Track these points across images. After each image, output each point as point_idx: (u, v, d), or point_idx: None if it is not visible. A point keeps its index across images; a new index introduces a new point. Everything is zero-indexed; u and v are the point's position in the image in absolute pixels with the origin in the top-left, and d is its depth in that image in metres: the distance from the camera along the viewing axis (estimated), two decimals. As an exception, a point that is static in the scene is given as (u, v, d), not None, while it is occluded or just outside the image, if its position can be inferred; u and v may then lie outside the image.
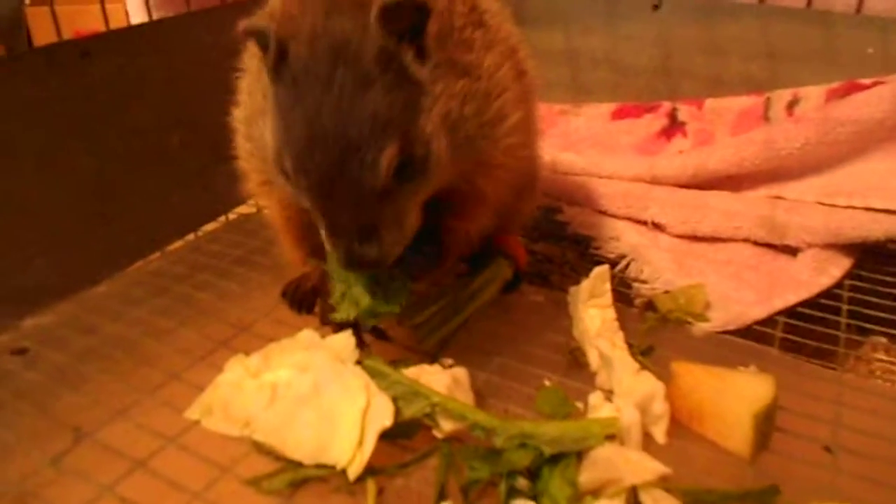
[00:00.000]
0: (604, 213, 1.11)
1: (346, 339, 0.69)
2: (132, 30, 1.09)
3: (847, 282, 0.92)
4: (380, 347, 0.77)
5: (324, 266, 0.71)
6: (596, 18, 1.45)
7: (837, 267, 0.93)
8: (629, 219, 1.09)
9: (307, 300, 0.88)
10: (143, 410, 0.71)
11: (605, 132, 1.35)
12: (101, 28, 1.04)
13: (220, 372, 0.71)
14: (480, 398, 0.70)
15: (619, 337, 0.76)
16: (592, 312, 0.78)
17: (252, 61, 0.73)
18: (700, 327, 0.83)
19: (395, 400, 0.63)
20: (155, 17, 1.16)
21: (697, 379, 0.67)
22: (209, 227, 1.16)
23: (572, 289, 0.83)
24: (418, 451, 0.64)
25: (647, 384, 0.68)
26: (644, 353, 0.76)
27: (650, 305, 0.88)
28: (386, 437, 0.62)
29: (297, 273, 0.89)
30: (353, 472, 0.60)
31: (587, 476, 0.58)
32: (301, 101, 0.59)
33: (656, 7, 1.38)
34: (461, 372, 0.69)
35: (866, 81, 1.12)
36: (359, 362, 0.67)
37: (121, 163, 1.02)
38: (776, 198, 1.05)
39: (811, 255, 0.95)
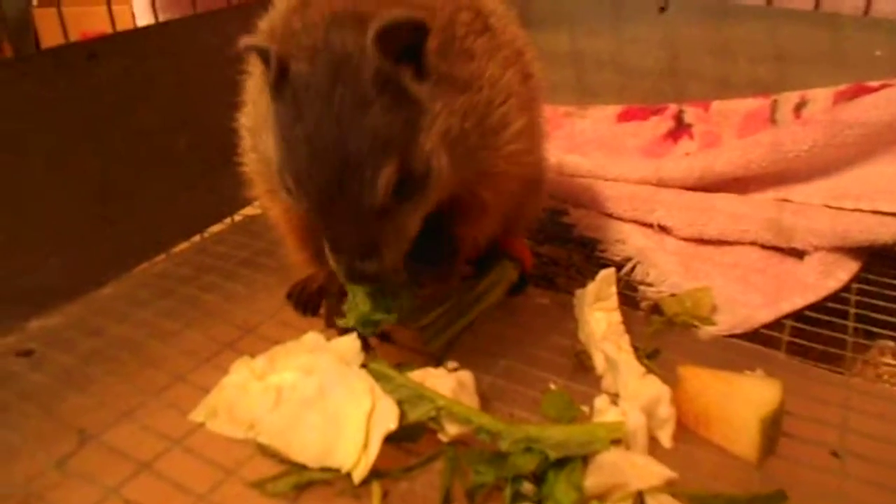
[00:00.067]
0: (610, 215, 1.10)
1: (351, 341, 0.69)
2: (138, 32, 1.09)
3: (854, 285, 0.91)
4: (385, 350, 0.77)
5: (329, 268, 0.71)
6: (602, 20, 1.44)
7: (845, 270, 0.92)
8: (635, 221, 1.08)
9: (312, 302, 0.88)
10: (149, 412, 0.71)
11: (610, 134, 1.35)
12: (108, 30, 1.05)
13: (226, 374, 0.71)
14: (485, 401, 0.70)
15: (625, 340, 0.75)
16: (598, 315, 0.78)
17: (257, 67, 0.73)
18: (706, 331, 0.83)
19: (400, 403, 0.63)
20: (161, 18, 1.16)
21: (704, 383, 0.67)
22: (215, 228, 1.16)
23: (578, 292, 0.83)
24: (423, 454, 0.64)
25: (653, 388, 0.67)
26: (650, 356, 0.76)
27: (656, 309, 0.88)
28: (391, 440, 0.61)
29: (303, 275, 0.89)
30: (358, 476, 0.60)
31: (593, 480, 0.58)
32: (301, 119, 0.59)
33: (662, 9, 1.38)
34: (466, 375, 0.69)
35: (874, 84, 1.11)
36: (364, 365, 0.67)
37: (127, 164, 1.02)
38: (783, 200, 1.04)
39: (818, 259, 0.94)
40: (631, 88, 1.42)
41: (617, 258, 1.02)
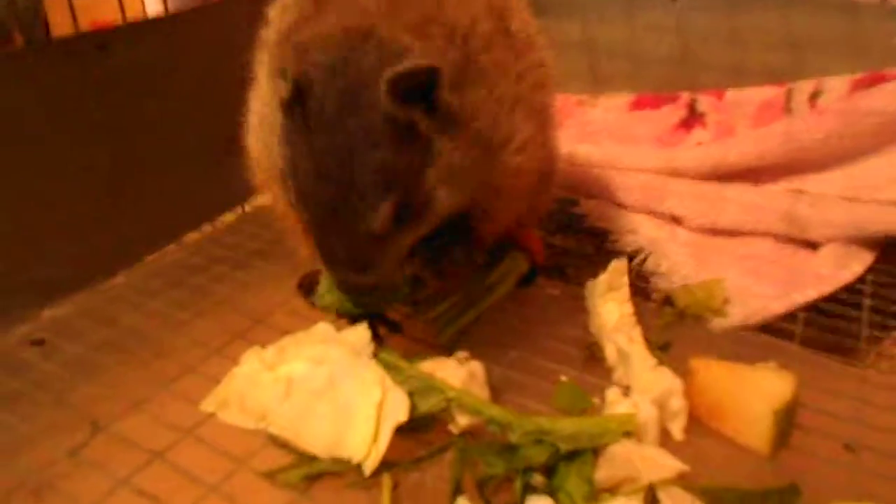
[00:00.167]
0: (621, 205, 1.10)
1: (361, 332, 0.69)
2: (149, 22, 1.09)
3: (869, 277, 0.90)
4: (395, 341, 0.77)
5: None
6: (614, 8, 1.43)
7: (859, 262, 0.91)
8: (647, 212, 1.07)
9: (323, 293, 0.88)
10: (160, 402, 0.72)
11: (622, 123, 1.34)
12: (118, 19, 1.04)
13: (236, 364, 0.71)
14: (496, 393, 0.70)
15: (637, 332, 0.75)
16: (610, 307, 0.78)
17: (265, 51, 0.73)
18: (718, 322, 0.82)
19: (410, 394, 0.63)
20: (171, 8, 1.16)
21: (716, 375, 0.67)
22: (226, 218, 1.17)
23: (589, 283, 0.82)
24: (433, 445, 0.64)
25: (665, 380, 0.67)
26: (661, 348, 0.75)
27: (668, 300, 0.87)
28: (401, 431, 0.61)
29: (313, 265, 0.89)
30: (369, 467, 0.60)
31: (604, 473, 0.58)
32: (310, 140, 0.60)
33: (676, -5, 1.37)
34: (477, 366, 0.69)
35: (891, 72, 1.09)
36: (374, 356, 0.67)
37: (138, 154, 1.03)
38: (797, 191, 1.03)
39: (832, 250, 0.93)
40: (643, 77, 1.41)
41: (628, 249, 1.01)
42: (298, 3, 0.70)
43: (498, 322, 0.81)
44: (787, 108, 1.20)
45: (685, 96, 1.33)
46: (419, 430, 0.64)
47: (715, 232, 1.02)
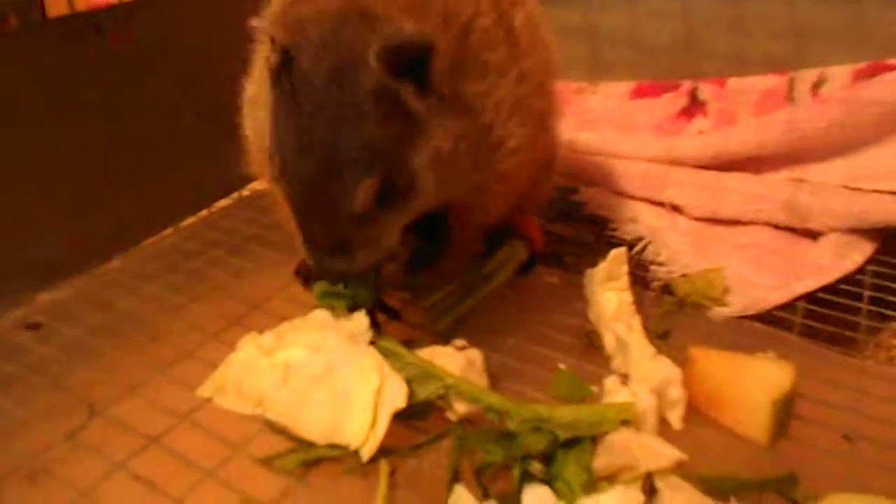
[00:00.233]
0: (621, 194, 1.09)
1: (360, 319, 0.69)
2: (146, 2, 1.07)
3: (869, 267, 0.90)
4: (393, 328, 0.76)
5: None
6: (616, -6, 1.42)
7: (859, 252, 0.91)
8: (647, 200, 1.07)
9: (321, 279, 0.87)
10: (156, 387, 0.71)
11: (622, 111, 1.33)
12: (114, -1, 1.03)
13: (233, 349, 0.70)
14: (494, 380, 0.69)
15: (636, 321, 0.74)
16: (609, 295, 0.77)
17: (264, 40, 0.72)
18: (718, 312, 0.82)
19: (408, 381, 0.63)
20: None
21: (715, 364, 0.66)
22: (222, 203, 1.16)
23: (588, 271, 0.82)
24: (431, 433, 0.63)
25: (664, 369, 0.67)
26: (661, 337, 0.75)
27: (667, 289, 0.87)
28: (399, 418, 0.61)
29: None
30: (367, 453, 0.59)
31: (602, 461, 0.57)
32: (296, 112, 0.59)
33: (678, -17, 1.35)
34: (475, 354, 0.69)
35: (894, 62, 1.09)
36: (372, 343, 0.66)
37: (134, 137, 1.02)
38: (798, 180, 1.03)
39: (833, 240, 0.93)
40: (645, 64, 1.40)
41: (628, 237, 1.01)
42: None
43: (496, 310, 0.81)
44: (790, 97, 1.19)
45: (686, 84, 1.32)
46: (417, 416, 0.64)
47: (715, 221, 1.02)
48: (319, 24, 0.60)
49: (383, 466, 0.60)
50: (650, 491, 0.54)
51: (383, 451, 0.60)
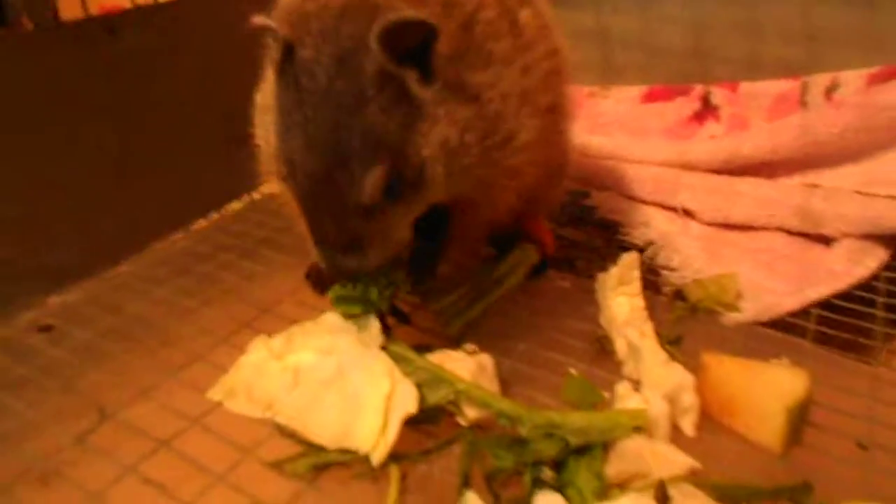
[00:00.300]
0: (633, 198, 1.09)
1: (370, 323, 0.69)
2: (160, 6, 1.08)
3: (883, 273, 0.89)
4: (403, 332, 0.76)
5: None
6: (628, -3, 1.42)
7: (873, 258, 0.90)
8: (659, 205, 1.07)
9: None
10: (167, 390, 0.71)
11: (634, 115, 1.33)
12: (127, 3, 1.04)
13: (243, 353, 0.70)
14: (505, 385, 0.69)
15: (648, 326, 0.74)
16: (621, 300, 0.77)
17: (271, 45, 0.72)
18: (731, 318, 0.81)
19: (419, 386, 0.62)
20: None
21: (728, 371, 0.66)
22: (233, 206, 1.16)
23: (600, 276, 0.81)
24: (442, 438, 0.63)
25: (677, 375, 0.66)
26: (672, 343, 0.75)
27: (679, 294, 0.86)
28: (409, 423, 0.61)
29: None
30: (377, 458, 0.59)
31: (614, 468, 0.57)
32: (300, 106, 0.59)
33: (691, -14, 1.35)
34: (486, 359, 0.68)
35: (909, 66, 1.08)
36: (383, 347, 0.66)
37: (146, 140, 1.02)
38: (812, 186, 1.02)
39: (846, 246, 0.92)
40: (657, 68, 1.39)
41: (639, 242, 1.00)
42: None
43: (507, 314, 0.81)
44: (803, 102, 1.18)
45: (699, 88, 1.31)
46: (428, 421, 0.63)
47: (727, 226, 1.02)
48: (322, 18, 0.60)
49: (394, 471, 0.60)
50: (663, 499, 0.54)
51: (394, 456, 0.60)
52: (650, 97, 1.35)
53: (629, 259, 0.79)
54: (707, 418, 0.65)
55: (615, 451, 0.58)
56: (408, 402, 0.61)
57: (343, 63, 0.58)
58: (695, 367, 0.67)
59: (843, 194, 0.97)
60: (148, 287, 0.90)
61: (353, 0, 0.60)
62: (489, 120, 0.65)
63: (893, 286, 0.87)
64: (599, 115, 1.35)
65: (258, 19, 0.61)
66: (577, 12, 1.44)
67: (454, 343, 0.73)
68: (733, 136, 1.14)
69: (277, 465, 0.61)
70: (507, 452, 0.59)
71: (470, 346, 0.71)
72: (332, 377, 0.64)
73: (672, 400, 0.64)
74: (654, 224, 1.03)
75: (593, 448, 0.58)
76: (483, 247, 0.86)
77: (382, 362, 0.64)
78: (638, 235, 1.02)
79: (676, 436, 0.63)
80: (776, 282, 0.87)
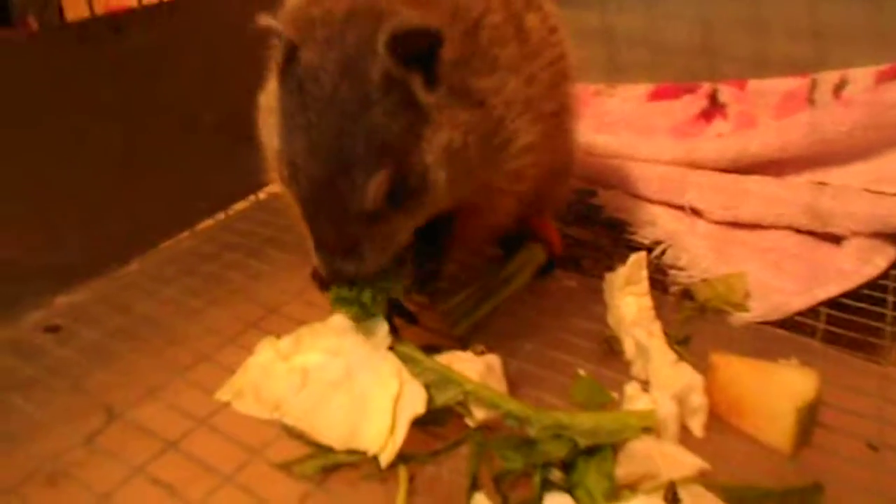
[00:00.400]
0: (639, 197, 1.08)
1: (378, 324, 0.68)
2: (165, 5, 1.08)
3: (893, 272, 0.88)
4: (411, 333, 0.76)
5: None
6: (634, -5, 1.41)
7: (883, 256, 0.89)
8: (666, 203, 1.06)
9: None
10: (175, 391, 0.71)
11: (640, 114, 1.32)
12: (133, 2, 1.04)
13: (250, 353, 0.70)
14: (513, 386, 0.69)
15: (657, 326, 0.74)
16: (629, 300, 0.77)
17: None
18: (739, 317, 0.81)
19: (427, 387, 0.62)
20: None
21: (738, 371, 0.65)
22: (239, 206, 1.16)
23: (608, 275, 0.81)
24: (450, 439, 0.63)
25: (685, 376, 0.66)
26: (681, 342, 0.74)
27: (687, 294, 0.86)
28: (417, 424, 0.61)
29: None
30: (385, 459, 0.59)
31: (624, 469, 0.57)
32: (303, 111, 0.58)
33: (697, -16, 1.34)
34: (494, 359, 0.68)
35: (918, 64, 1.08)
36: (391, 348, 0.66)
37: (152, 140, 1.02)
38: (821, 184, 1.01)
39: (856, 244, 0.92)
40: (663, 66, 1.39)
41: (646, 241, 1.00)
42: None
43: (515, 314, 0.80)
44: (811, 100, 1.18)
45: (706, 86, 1.31)
46: (436, 423, 0.63)
47: (735, 225, 1.01)
48: (327, 23, 0.60)
49: (402, 473, 0.60)
50: (673, 500, 0.54)
51: (402, 458, 0.60)
52: (657, 95, 1.34)
53: (637, 258, 0.78)
54: (716, 419, 0.65)
55: (624, 453, 0.58)
56: (416, 403, 0.61)
57: (348, 68, 0.57)
58: (703, 368, 0.67)
59: (852, 192, 0.96)
60: (155, 287, 0.90)
61: (358, 5, 0.60)
62: (492, 125, 0.65)
63: (903, 285, 0.87)
64: (605, 114, 1.35)
65: (264, 20, 0.60)
66: (582, 11, 1.43)
67: (462, 343, 0.73)
68: (741, 134, 1.13)
69: (285, 467, 0.61)
70: (516, 453, 0.59)
71: (478, 347, 0.71)
72: (340, 378, 0.64)
73: (681, 400, 0.64)
74: (660, 223, 1.02)
75: (603, 449, 0.58)
76: (489, 247, 0.86)
77: (390, 363, 0.64)
78: (645, 234, 1.01)
79: (685, 436, 0.63)
80: (785, 281, 0.86)
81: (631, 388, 0.66)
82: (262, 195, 1.18)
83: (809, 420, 0.63)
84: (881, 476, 0.60)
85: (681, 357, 0.69)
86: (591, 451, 0.58)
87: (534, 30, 0.71)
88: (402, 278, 0.67)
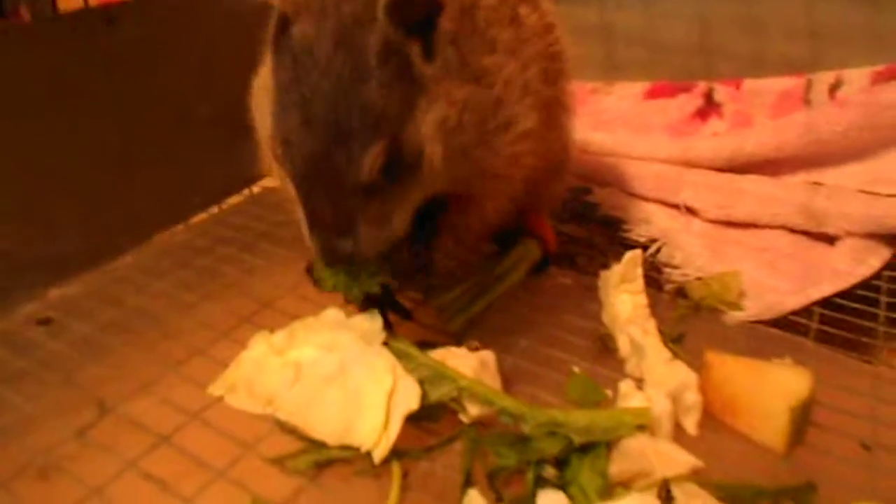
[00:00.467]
0: (635, 195, 1.09)
1: (372, 319, 0.68)
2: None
3: (886, 273, 0.89)
4: (406, 328, 0.76)
5: None
6: (632, -7, 1.41)
7: (877, 257, 0.90)
8: (661, 202, 1.06)
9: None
10: (167, 385, 0.71)
11: (637, 112, 1.32)
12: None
13: (244, 348, 0.70)
14: (507, 383, 0.69)
15: (651, 324, 0.74)
16: (623, 298, 0.76)
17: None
18: (733, 316, 0.81)
19: (421, 382, 0.62)
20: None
21: (732, 370, 0.65)
22: (233, 199, 1.15)
23: (603, 273, 0.81)
24: (444, 435, 0.63)
25: (680, 374, 0.66)
26: (675, 341, 0.74)
27: (682, 292, 0.86)
28: (411, 419, 0.61)
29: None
30: (379, 455, 0.59)
31: (618, 467, 0.57)
32: (297, 85, 0.58)
33: (694, -17, 1.35)
34: (489, 356, 0.68)
35: (913, 65, 1.08)
36: (385, 343, 0.66)
37: (146, 132, 1.01)
38: (816, 184, 1.01)
39: (850, 245, 0.92)
40: (660, 65, 1.39)
41: (641, 239, 1.00)
42: None
43: (509, 311, 0.80)
44: (806, 100, 1.18)
45: (702, 85, 1.31)
46: (429, 419, 0.63)
47: (730, 224, 1.01)
48: None
49: (395, 468, 0.59)
50: (666, 498, 0.54)
51: (395, 453, 0.60)
52: (653, 94, 1.35)
53: (632, 256, 0.78)
54: (710, 417, 0.65)
55: (618, 450, 0.58)
56: (410, 399, 0.60)
57: (343, 38, 0.57)
58: (697, 366, 0.67)
59: (846, 193, 0.97)
60: (148, 280, 0.90)
61: None
62: (489, 104, 0.65)
63: (896, 285, 0.87)
64: (602, 112, 1.35)
65: None
66: (580, 8, 1.43)
67: (456, 339, 0.72)
68: (736, 133, 1.13)
69: (278, 462, 0.61)
70: (510, 450, 0.59)
71: (472, 343, 0.71)
72: (334, 373, 0.64)
73: (675, 398, 0.64)
74: (656, 221, 1.02)
75: (597, 446, 0.58)
76: (484, 243, 0.86)
77: (384, 359, 0.64)
78: (640, 232, 1.01)
79: (679, 434, 0.63)
80: (779, 280, 0.87)
81: (625, 386, 0.66)
82: (256, 189, 1.18)
83: (803, 419, 0.63)
84: (874, 475, 0.60)
85: (675, 355, 0.70)
86: (585, 449, 0.58)
87: (527, 19, 0.71)
88: (396, 266, 0.66)
